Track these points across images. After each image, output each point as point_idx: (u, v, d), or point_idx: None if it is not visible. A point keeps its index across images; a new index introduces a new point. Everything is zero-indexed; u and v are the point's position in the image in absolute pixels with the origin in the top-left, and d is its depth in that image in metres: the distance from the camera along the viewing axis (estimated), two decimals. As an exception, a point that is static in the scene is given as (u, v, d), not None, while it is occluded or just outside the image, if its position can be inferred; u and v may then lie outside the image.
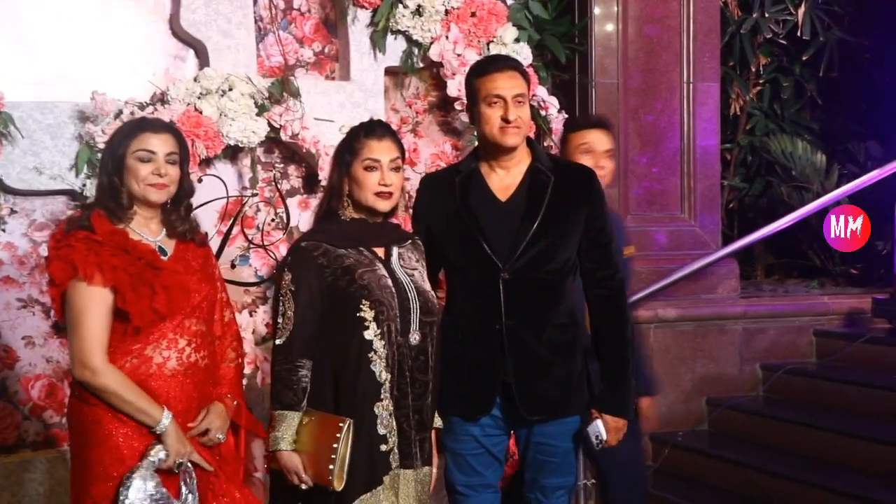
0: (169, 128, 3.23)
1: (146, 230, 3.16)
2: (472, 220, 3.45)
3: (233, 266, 4.80)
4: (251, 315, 4.76)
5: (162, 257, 3.15)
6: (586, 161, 3.89)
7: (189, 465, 3.09)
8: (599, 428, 3.52)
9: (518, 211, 3.46)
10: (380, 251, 3.31)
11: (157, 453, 3.03)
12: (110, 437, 3.03)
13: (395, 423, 3.21)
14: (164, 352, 3.09)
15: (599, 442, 3.53)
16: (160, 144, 3.12)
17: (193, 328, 3.14)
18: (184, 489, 3.09)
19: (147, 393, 3.05)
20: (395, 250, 3.34)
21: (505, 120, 3.40)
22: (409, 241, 3.43)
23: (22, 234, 4.54)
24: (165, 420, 3.03)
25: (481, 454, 3.57)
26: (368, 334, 3.18)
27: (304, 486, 3.16)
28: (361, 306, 3.18)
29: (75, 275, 2.98)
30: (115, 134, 3.22)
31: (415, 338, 3.26)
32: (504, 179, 3.52)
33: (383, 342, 3.19)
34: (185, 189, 3.23)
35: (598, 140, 4.04)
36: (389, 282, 3.24)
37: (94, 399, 3.03)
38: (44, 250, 4.50)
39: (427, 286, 3.36)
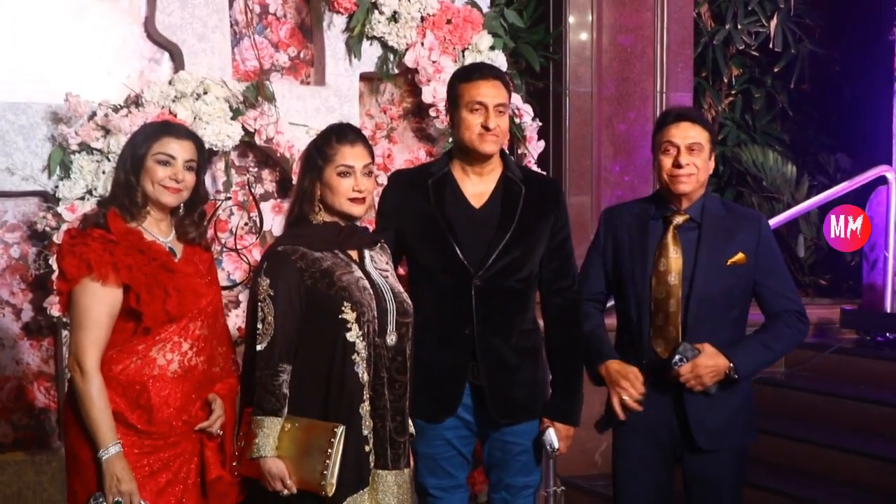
0: (191, 135, 3.27)
1: (157, 230, 3.20)
2: (447, 226, 3.49)
3: (205, 269, 4.79)
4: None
5: (174, 259, 3.19)
6: (667, 161, 3.55)
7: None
8: (552, 437, 3.57)
9: (492, 220, 3.52)
10: (353, 254, 3.32)
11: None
12: None
13: (372, 424, 3.22)
14: (168, 354, 3.12)
15: (553, 450, 3.58)
16: (181, 150, 3.16)
17: (197, 332, 3.18)
18: None
19: (147, 395, 3.08)
20: (367, 253, 3.35)
21: (485, 127, 3.45)
22: (378, 244, 3.43)
23: (-7, 236, 4.52)
24: (112, 449, 3.03)
25: (453, 456, 3.62)
26: (351, 336, 3.18)
27: (286, 493, 3.15)
28: (343, 308, 3.18)
29: (89, 273, 3.02)
30: (137, 133, 3.26)
31: (391, 338, 3.27)
32: (477, 186, 3.57)
33: (364, 343, 3.20)
34: (199, 196, 3.29)
35: (678, 135, 3.53)
36: (367, 283, 3.25)
37: None
38: (15, 252, 4.48)
39: (400, 287, 3.37)
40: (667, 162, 3.55)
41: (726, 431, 3.59)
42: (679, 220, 3.59)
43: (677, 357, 3.48)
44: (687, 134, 3.53)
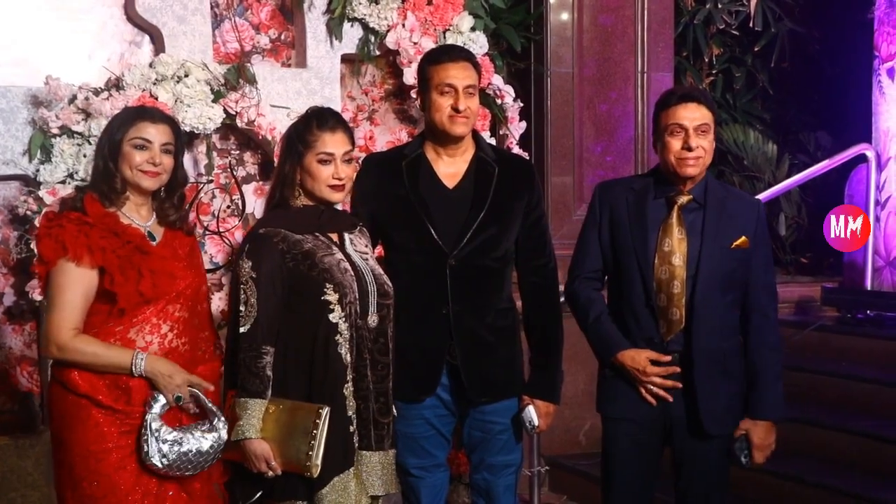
0: (167, 118, 3.29)
1: (136, 215, 3.23)
2: (421, 206, 3.51)
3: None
4: (206, 302, 4.75)
5: (150, 242, 3.21)
6: (676, 143, 3.48)
7: (193, 392, 3.18)
8: (532, 414, 3.60)
9: (465, 199, 3.55)
10: (334, 236, 3.34)
11: (155, 405, 3.11)
12: (91, 417, 3.09)
13: (355, 405, 3.25)
14: (147, 336, 3.14)
15: (532, 427, 3.61)
16: (157, 134, 3.19)
17: (177, 314, 3.20)
18: (204, 408, 3.21)
19: (126, 379, 3.10)
20: (346, 236, 3.37)
21: (455, 109, 3.48)
22: (357, 227, 3.45)
23: (-26, 220, 4.51)
24: (140, 362, 3.08)
25: (433, 436, 3.65)
26: (334, 317, 3.20)
27: (271, 474, 3.17)
28: (325, 290, 3.20)
29: (64, 254, 3.05)
30: (114, 119, 3.29)
31: (373, 320, 3.29)
32: (450, 166, 3.61)
33: (347, 324, 3.22)
34: (178, 179, 3.31)
35: (686, 116, 3.46)
36: (347, 265, 3.27)
37: (73, 384, 3.08)
38: (-4, 236, 4.48)
39: (380, 269, 3.39)
40: (675, 144, 3.48)
41: (727, 416, 3.59)
42: (683, 200, 3.54)
43: (743, 460, 3.57)
44: (695, 115, 3.47)
